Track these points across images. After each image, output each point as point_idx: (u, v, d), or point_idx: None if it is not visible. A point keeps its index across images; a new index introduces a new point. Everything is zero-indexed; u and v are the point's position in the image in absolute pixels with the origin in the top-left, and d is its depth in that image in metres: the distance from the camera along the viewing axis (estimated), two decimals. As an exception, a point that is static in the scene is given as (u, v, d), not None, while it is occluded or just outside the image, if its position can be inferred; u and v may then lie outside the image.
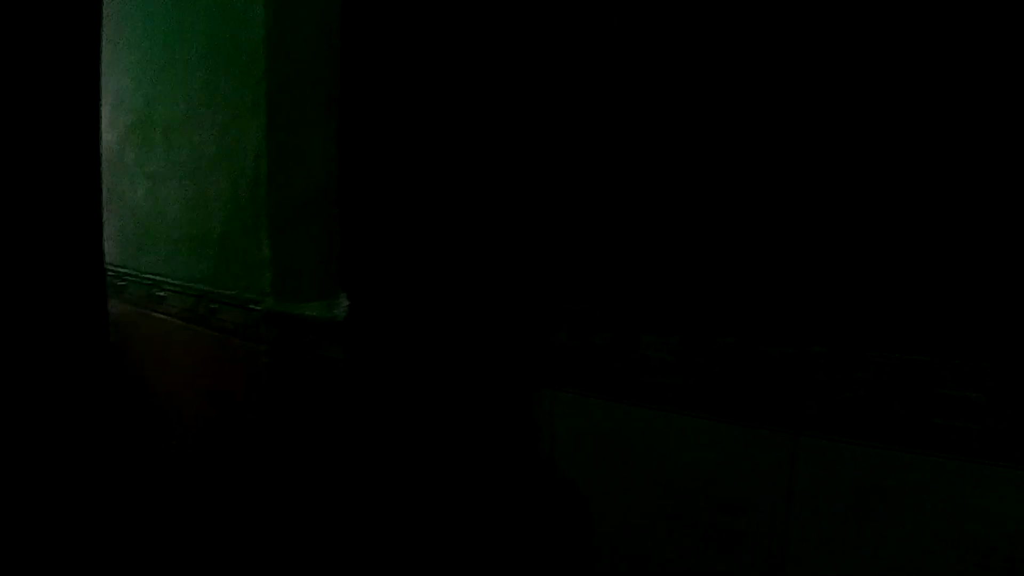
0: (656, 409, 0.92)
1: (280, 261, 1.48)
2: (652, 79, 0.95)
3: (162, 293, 2.04)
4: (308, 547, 1.40)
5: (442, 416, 1.18)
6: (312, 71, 1.34)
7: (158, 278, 2.07)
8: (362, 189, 1.27)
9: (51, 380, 1.11)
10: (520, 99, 1.12)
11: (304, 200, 1.40)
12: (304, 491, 1.39)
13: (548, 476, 1.04)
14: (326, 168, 1.31)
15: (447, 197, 1.26)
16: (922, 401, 0.78)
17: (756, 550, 0.86)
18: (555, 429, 1.03)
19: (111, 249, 2.38)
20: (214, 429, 1.87)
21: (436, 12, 1.23)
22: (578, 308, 1.05)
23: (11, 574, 1.15)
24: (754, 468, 0.85)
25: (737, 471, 0.86)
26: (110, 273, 2.35)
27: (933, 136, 0.78)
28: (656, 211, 0.95)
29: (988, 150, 0.75)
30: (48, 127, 0.99)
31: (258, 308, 1.55)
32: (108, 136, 2.33)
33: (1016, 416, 0.74)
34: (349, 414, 1.25)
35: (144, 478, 2.33)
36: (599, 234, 1.02)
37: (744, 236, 0.87)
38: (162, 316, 2.06)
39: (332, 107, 1.27)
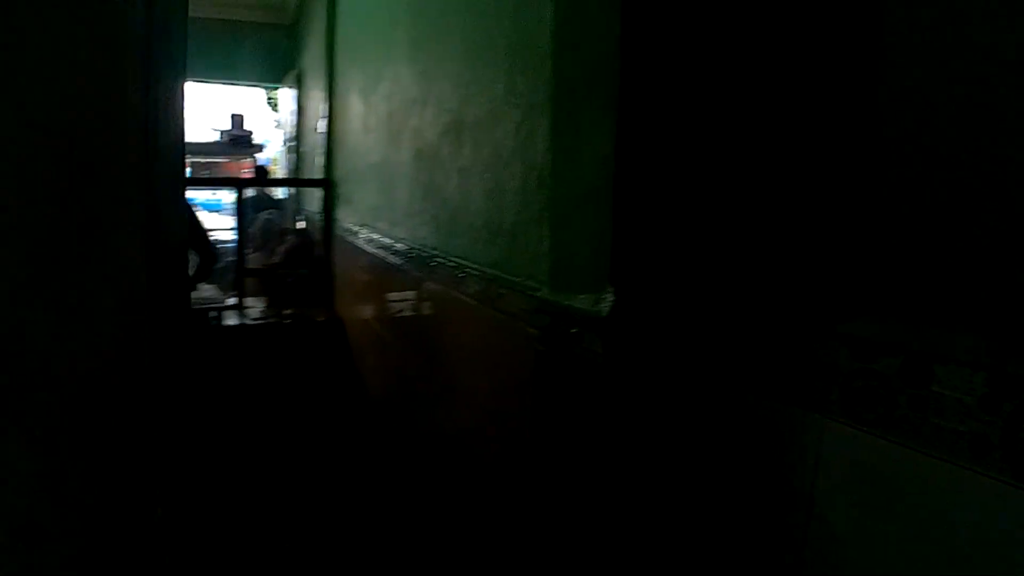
0: (945, 460, 0.77)
1: (556, 253, 1.54)
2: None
3: (462, 275, 2.26)
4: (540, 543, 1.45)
5: (695, 425, 1.13)
6: (593, 71, 1.36)
7: (461, 262, 2.29)
8: (636, 188, 1.27)
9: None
10: (805, 98, 1.02)
11: (581, 195, 1.43)
12: (552, 482, 1.44)
13: (802, 510, 0.94)
14: (602, 166, 1.33)
15: (723, 199, 1.20)
16: None
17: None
18: (820, 461, 0.92)
19: (428, 234, 2.70)
20: (493, 404, 2.03)
21: (715, 16, 1.17)
22: (862, 326, 0.93)
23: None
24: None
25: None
26: (425, 254, 2.68)
27: None
28: (979, 213, 0.79)
29: None
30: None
31: (536, 296, 1.63)
32: (429, 135, 2.64)
33: None
34: (602, 410, 1.26)
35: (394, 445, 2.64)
36: (896, 240, 0.88)
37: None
38: (460, 296, 2.28)
39: (610, 106, 1.28)
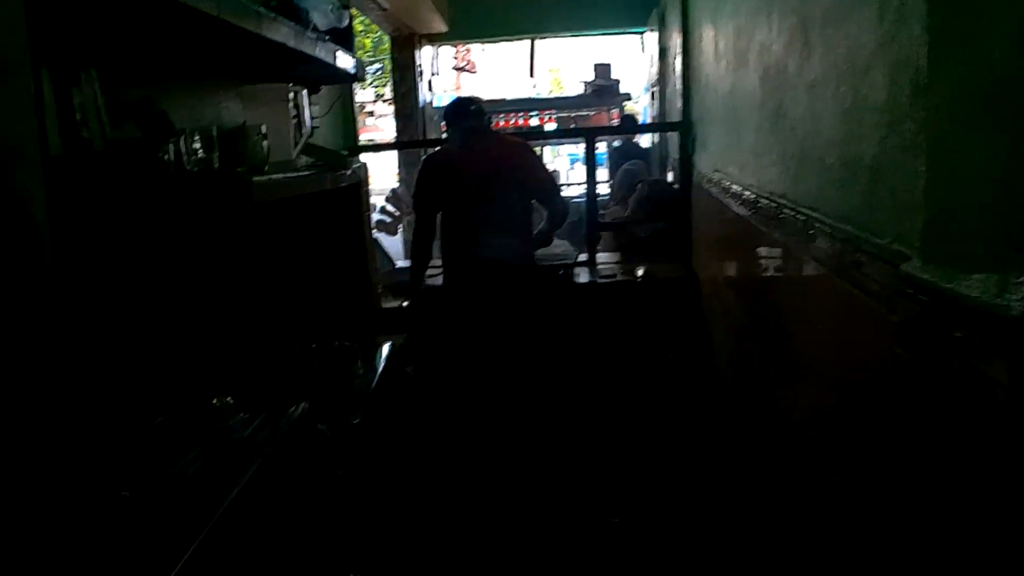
0: None
1: (934, 198, 0.95)
2: None
3: (811, 231, 1.70)
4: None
5: None
6: None
7: (810, 213, 1.73)
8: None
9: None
10: None
11: (978, 102, 0.83)
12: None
13: None
14: (1012, 49, 0.72)
15: None
16: None
17: None
18: None
19: (775, 176, 2.14)
20: (836, 410, 1.47)
21: None
22: None
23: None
24: None
25: None
26: (772, 203, 2.13)
27: None
28: None
29: None
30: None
31: (902, 269, 1.05)
32: (775, 47, 2.06)
33: None
34: (1000, 482, 0.69)
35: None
36: None
37: None
38: (808, 258, 1.73)
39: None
